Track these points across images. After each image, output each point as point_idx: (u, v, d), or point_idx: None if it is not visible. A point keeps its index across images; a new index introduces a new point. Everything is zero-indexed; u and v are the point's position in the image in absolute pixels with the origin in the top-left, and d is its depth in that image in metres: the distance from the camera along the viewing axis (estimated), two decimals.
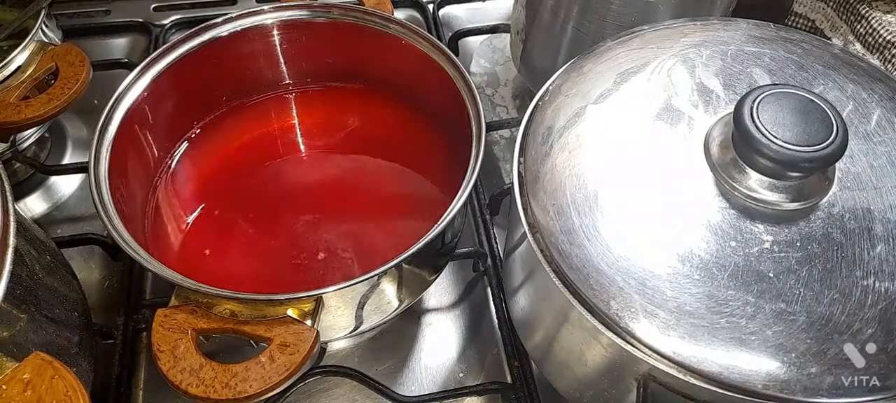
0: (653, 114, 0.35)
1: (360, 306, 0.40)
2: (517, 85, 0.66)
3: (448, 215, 0.39)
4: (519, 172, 0.36)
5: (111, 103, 0.45)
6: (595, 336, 0.31)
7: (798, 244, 0.30)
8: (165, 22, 0.70)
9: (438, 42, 0.49)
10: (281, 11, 0.52)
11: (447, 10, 0.73)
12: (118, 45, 0.69)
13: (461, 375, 0.47)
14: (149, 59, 0.48)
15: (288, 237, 0.47)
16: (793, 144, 0.30)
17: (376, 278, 0.38)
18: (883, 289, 0.29)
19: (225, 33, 0.51)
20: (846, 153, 0.30)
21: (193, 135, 0.53)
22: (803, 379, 0.28)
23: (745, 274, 0.30)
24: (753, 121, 0.30)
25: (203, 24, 0.50)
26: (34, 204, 0.56)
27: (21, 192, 0.56)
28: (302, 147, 0.54)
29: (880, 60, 0.51)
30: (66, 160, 0.60)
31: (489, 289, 0.51)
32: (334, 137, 0.54)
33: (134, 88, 0.47)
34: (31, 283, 0.34)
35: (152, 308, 0.45)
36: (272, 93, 0.56)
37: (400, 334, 0.49)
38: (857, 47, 0.53)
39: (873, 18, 0.52)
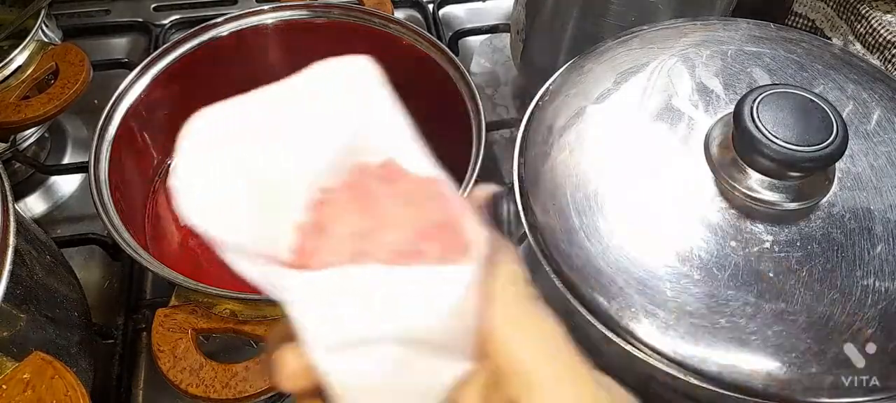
0: (653, 114, 0.35)
1: None
2: (517, 85, 0.66)
3: None
4: (519, 172, 0.36)
5: (111, 103, 0.45)
6: None
7: (798, 244, 0.30)
8: (165, 22, 0.70)
9: (438, 42, 0.49)
10: (281, 11, 0.52)
11: (447, 10, 0.73)
12: (118, 45, 0.69)
13: None
14: (149, 58, 0.48)
15: None
16: (793, 144, 0.30)
17: None
18: (883, 289, 0.29)
19: (225, 33, 0.51)
20: (846, 153, 0.30)
21: None
22: (803, 379, 0.28)
23: (745, 273, 0.30)
24: (753, 120, 0.30)
25: (203, 24, 0.50)
26: (34, 204, 0.56)
27: (21, 192, 0.56)
28: None
29: (880, 60, 0.51)
30: (66, 160, 0.60)
31: None
32: None
33: (134, 88, 0.47)
34: (31, 283, 0.34)
35: (152, 308, 0.45)
36: None
37: None
38: (857, 47, 0.53)
39: (873, 18, 0.52)
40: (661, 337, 0.29)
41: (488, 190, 0.18)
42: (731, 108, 0.32)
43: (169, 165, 0.51)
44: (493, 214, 0.18)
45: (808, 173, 0.31)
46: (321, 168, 0.17)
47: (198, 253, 0.47)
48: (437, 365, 0.17)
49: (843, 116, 0.31)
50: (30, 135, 0.55)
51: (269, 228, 0.17)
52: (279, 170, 0.17)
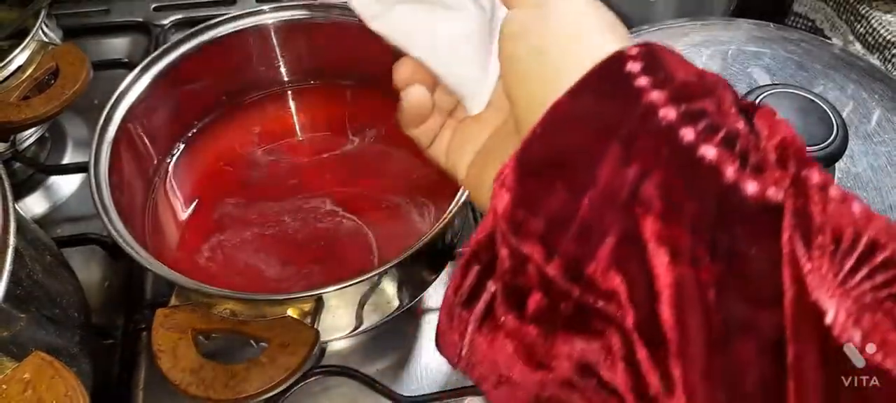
0: None
1: (360, 306, 0.40)
2: None
3: (448, 215, 0.39)
4: None
5: (111, 103, 0.45)
6: None
7: None
8: (165, 22, 0.70)
9: None
10: (281, 11, 0.52)
11: None
12: (118, 45, 0.69)
13: (461, 374, 0.47)
14: (149, 58, 0.48)
15: (288, 236, 0.47)
16: None
17: (376, 278, 0.38)
18: None
19: (225, 33, 0.51)
20: (846, 153, 0.30)
21: (193, 135, 0.53)
22: None
23: None
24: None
25: (203, 24, 0.50)
26: (34, 204, 0.56)
27: (21, 192, 0.56)
28: (302, 146, 0.54)
29: (880, 60, 0.51)
30: (66, 160, 0.60)
31: None
32: (334, 136, 0.54)
33: (134, 88, 0.47)
34: (31, 283, 0.34)
35: (152, 308, 0.45)
36: (272, 93, 0.56)
37: (400, 333, 0.49)
38: (857, 47, 0.53)
39: (873, 18, 0.52)
40: None
41: None
42: None
43: (169, 164, 0.51)
44: None
45: None
46: None
47: (198, 253, 0.47)
48: (450, 13, 0.24)
49: (843, 116, 0.31)
50: (30, 135, 0.55)
51: None
52: None
